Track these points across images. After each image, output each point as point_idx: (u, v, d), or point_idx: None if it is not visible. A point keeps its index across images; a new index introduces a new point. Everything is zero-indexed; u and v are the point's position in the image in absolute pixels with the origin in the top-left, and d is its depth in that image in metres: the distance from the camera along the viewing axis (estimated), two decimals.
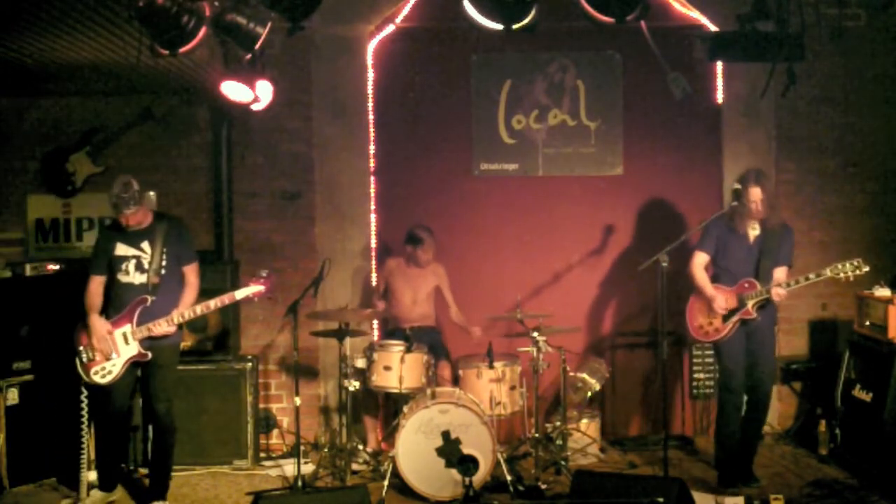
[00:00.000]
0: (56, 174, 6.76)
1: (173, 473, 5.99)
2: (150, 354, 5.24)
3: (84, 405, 5.44)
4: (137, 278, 5.26)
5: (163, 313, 5.23)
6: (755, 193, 5.52)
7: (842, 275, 5.36)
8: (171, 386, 5.46)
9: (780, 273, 5.65)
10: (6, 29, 4.79)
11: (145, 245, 5.28)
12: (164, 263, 5.29)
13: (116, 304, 5.28)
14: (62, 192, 6.79)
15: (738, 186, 5.59)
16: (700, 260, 5.77)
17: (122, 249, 5.27)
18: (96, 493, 5.49)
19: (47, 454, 5.86)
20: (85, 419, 5.47)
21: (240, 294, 5.37)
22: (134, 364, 5.27)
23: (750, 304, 5.59)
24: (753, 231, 5.67)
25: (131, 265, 5.27)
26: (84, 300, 5.29)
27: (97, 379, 5.23)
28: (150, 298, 5.23)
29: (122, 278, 5.27)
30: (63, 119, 6.81)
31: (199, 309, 5.31)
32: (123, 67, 5.62)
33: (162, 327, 5.21)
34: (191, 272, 5.42)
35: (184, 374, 6.17)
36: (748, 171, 5.70)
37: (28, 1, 4.29)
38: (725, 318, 5.65)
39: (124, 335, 5.23)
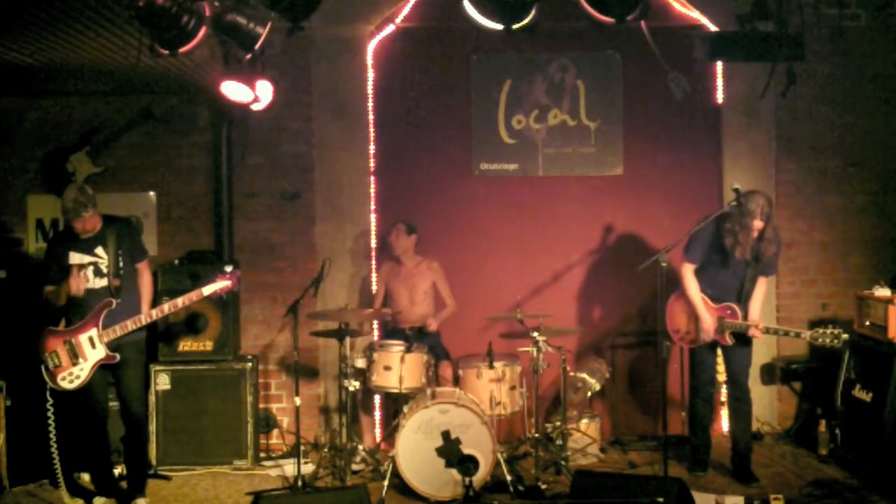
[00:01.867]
0: (56, 174, 6.75)
1: (173, 474, 6.06)
2: (117, 356, 5.24)
3: (50, 412, 5.32)
4: (98, 283, 5.27)
5: (127, 314, 5.23)
6: (757, 225, 5.52)
7: (819, 341, 5.38)
8: (140, 382, 5.47)
9: (760, 288, 5.75)
10: (6, 29, 4.79)
11: (100, 250, 5.28)
12: (121, 265, 5.29)
13: (79, 310, 5.26)
14: (62, 192, 6.76)
15: (741, 201, 5.50)
16: (691, 271, 5.77)
17: (76, 258, 5.25)
18: (99, 500, 5.48)
19: (46, 454, 5.85)
20: (52, 426, 5.35)
21: (207, 290, 5.34)
22: (102, 367, 5.26)
23: (727, 332, 5.69)
24: (742, 246, 5.64)
25: (90, 271, 5.26)
26: (48, 305, 5.27)
27: (65, 385, 5.22)
28: (114, 301, 5.24)
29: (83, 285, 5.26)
30: (63, 119, 6.81)
31: (166, 307, 5.31)
32: (123, 67, 5.62)
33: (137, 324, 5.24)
34: (143, 268, 5.45)
35: (184, 374, 6.21)
36: (759, 198, 5.53)
37: (28, 1, 4.29)
38: None
39: (90, 339, 5.21)
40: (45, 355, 5.25)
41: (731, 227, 5.56)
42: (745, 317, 5.70)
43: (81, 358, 5.22)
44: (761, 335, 5.69)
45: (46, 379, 5.26)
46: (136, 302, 5.37)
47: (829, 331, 5.34)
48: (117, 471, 5.78)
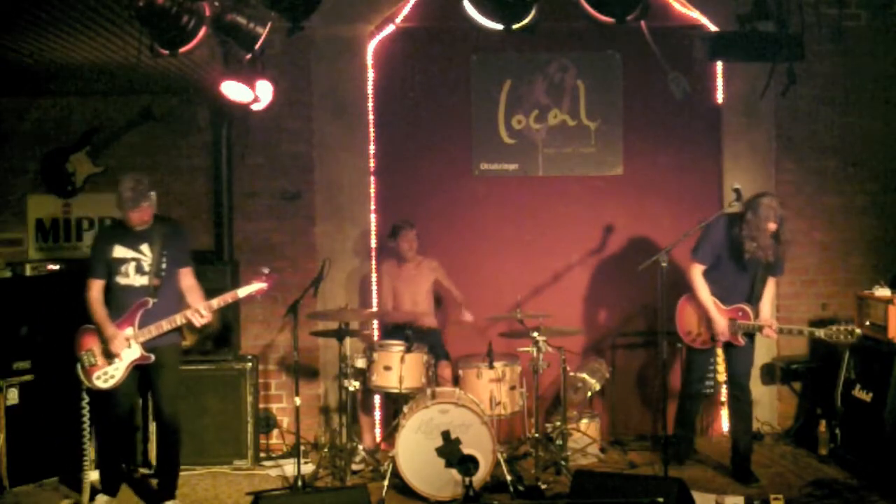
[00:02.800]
0: (56, 174, 6.76)
1: None
2: (153, 357, 5.22)
3: (85, 410, 5.35)
4: (138, 280, 5.24)
5: (163, 315, 5.21)
6: (771, 227, 5.53)
7: (834, 338, 5.40)
8: (176, 386, 5.47)
9: (770, 289, 5.78)
10: (6, 29, 4.79)
11: (144, 247, 5.25)
12: (163, 266, 5.26)
13: (115, 306, 5.24)
14: (62, 192, 6.79)
15: (752, 205, 5.52)
16: (700, 272, 5.76)
17: (120, 252, 5.23)
18: (101, 498, 5.46)
19: (48, 454, 5.87)
20: (86, 423, 5.40)
21: (242, 292, 5.36)
22: (135, 367, 5.25)
23: (740, 333, 5.69)
24: (764, 250, 5.63)
25: (131, 267, 5.24)
26: (89, 307, 5.21)
27: (100, 384, 5.20)
28: (151, 301, 5.21)
29: (121, 280, 5.23)
30: (63, 119, 6.81)
31: (202, 307, 5.27)
32: (123, 67, 5.62)
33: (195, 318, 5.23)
34: (189, 275, 5.41)
35: (184, 373, 6.16)
36: (772, 200, 5.57)
37: (28, 1, 4.30)
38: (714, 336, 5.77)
39: (126, 338, 5.20)
40: (81, 353, 5.22)
41: (748, 232, 5.54)
42: (757, 317, 5.71)
43: (117, 357, 5.20)
44: (775, 335, 5.72)
45: (81, 377, 5.23)
46: (173, 303, 5.32)
47: (842, 328, 5.36)
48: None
